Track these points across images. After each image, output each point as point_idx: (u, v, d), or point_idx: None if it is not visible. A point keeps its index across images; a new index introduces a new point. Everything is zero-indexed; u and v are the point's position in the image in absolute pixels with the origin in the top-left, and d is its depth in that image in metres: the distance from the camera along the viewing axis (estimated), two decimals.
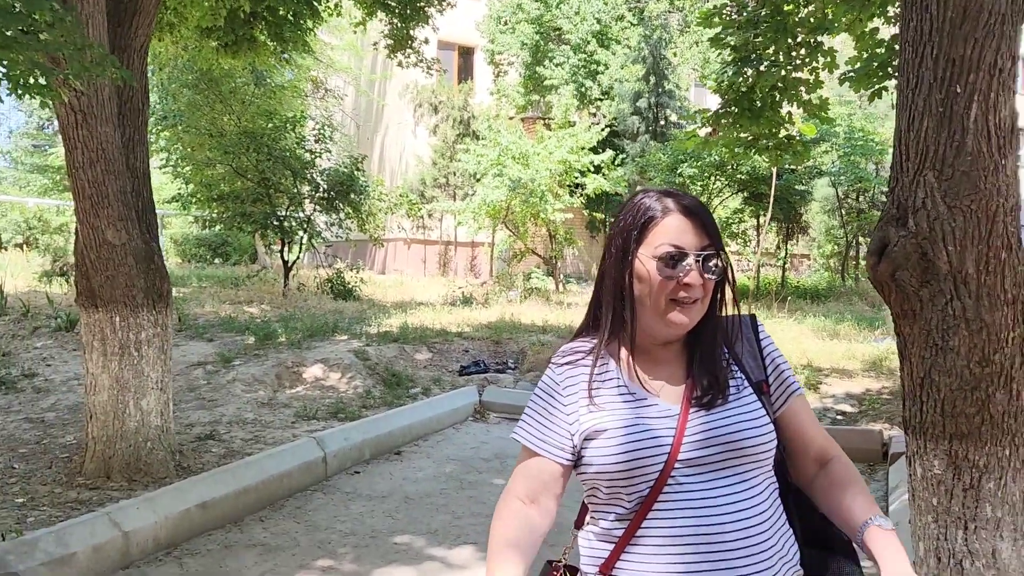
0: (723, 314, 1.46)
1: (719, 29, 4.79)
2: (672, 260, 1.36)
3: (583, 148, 17.67)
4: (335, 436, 6.01)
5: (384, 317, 11.62)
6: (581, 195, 19.11)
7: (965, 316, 2.47)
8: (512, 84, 24.39)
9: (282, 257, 14.92)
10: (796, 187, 15.63)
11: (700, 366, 1.42)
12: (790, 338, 10.24)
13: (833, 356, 9.08)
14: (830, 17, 4.51)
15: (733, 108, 4.79)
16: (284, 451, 5.52)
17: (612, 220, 1.55)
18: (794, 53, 4.70)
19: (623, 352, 1.45)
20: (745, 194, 15.99)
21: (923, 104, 2.51)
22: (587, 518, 1.50)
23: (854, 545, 1.45)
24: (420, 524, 4.84)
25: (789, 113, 5.08)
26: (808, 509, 1.49)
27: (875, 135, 16.91)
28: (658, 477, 1.34)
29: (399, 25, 9.01)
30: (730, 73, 4.59)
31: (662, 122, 21.32)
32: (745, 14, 4.79)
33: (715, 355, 1.43)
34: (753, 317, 1.51)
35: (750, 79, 4.52)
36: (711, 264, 1.37)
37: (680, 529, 1.33)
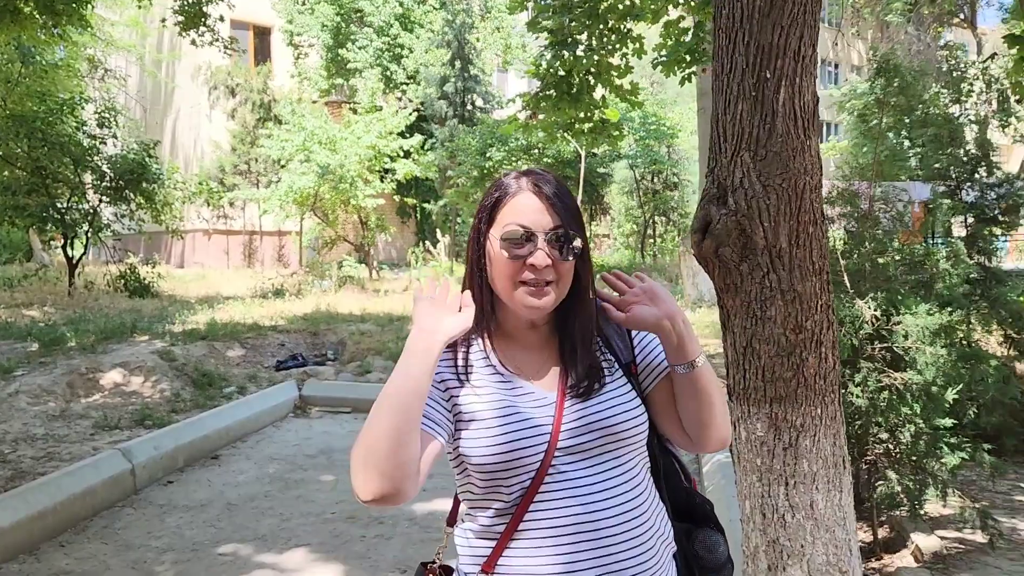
0: (592, 297, 1.44)
1: (535, 13, 4.86)
2: (517, 240, 1.32)
3: (392, 133, 17.44)
4: (142, 445, 5.54)
5: (189, 314, 10.89)
6: (392, 180, 18.88)
7: (780, 287, 2.63)
8: (314, 67, 23.60)
9: (65, 253, 13.57)
10: (598, 170, 16.30)
11: (573, 353, 1.39)
12: None
13: None
14: (638, 4, 4.70)
15: (552, 92, 4.88)
16: (84, 467, 5.01)
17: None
18: (605, 39, 4.85)
19: (494, 336, 1.41)
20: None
21: (737, 89, 2.64)
22: (461, 515, 1.44)
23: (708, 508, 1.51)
24: (246, 531, 4.57)
25: (603, 97, 5.26)
26: (674, 485, 1.52)
27: (666, 119, 17.98)
28: (539, 467, 1.30)
29: (191, 0, 8.39)
30: (548, 57, 4.67)
31: (469, 106, 21.48)
32: None
33: (588, 341, 1.41)
34: None
35: (568, 63, 4.62)
36: (564, 245, 1.33)
37: (563, 519, 1.30)
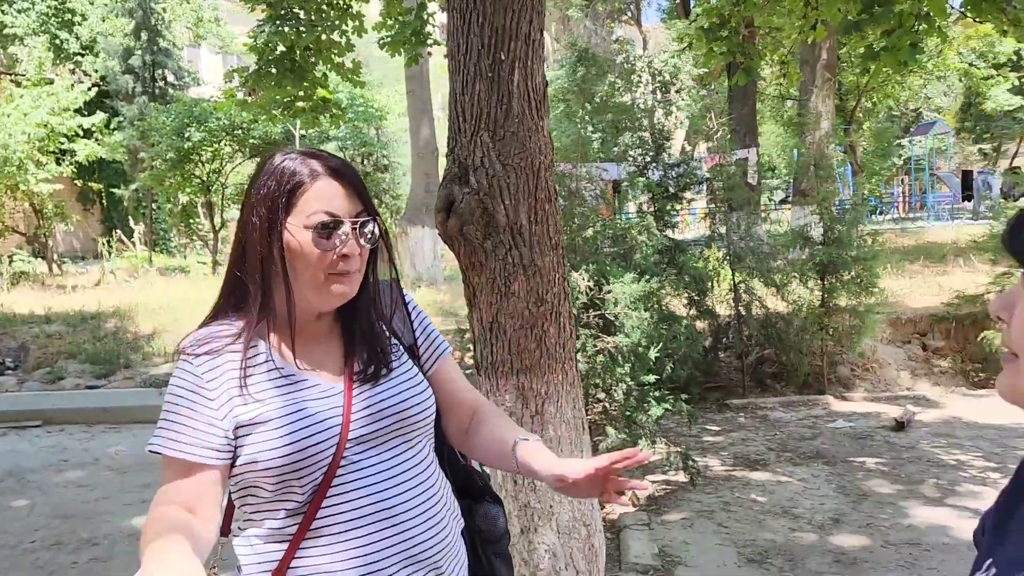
0: (377, 281, 1.38)
1: None
2: (328, 229, 1.25)
3: (68, 110, 15.49)
4: None
5: None
6: (71, 163, 16.79)
7: (523, 263, 2.75)
8: None
9: None
10: None
11: (360, 339, 1.35)
12: None
13: None
14: None
15: (273, 68, 4.60)
16: None
17: (249, 187, 1.35)
18: (324, 14, 4.68)
19: (273, 333, 1.30)
20: (260, 159, 15.74)
21: (474, 69, 2.69)
22: (239, 522, 1.32)
23: (491, 484, 1.53)
24: None
25: (325, 75, 5.08)
26: (453, 462, 1.53)
27: (374, 102, 17.92)
28: (331, 462, 1.24)
29: None
30: (268, 31, 4.38)
31: (160, 83, 19.74)
32: None
33: (374, 326, 1.37)
34: (396, 281, 1.46)
35: (289, 39, 4.38)
36: (367, 231, 1.29)
37: (359, 510, 1.25)
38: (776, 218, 9.30)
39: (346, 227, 1.26)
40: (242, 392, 1.23)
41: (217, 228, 16.08)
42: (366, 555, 1.24)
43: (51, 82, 16.42)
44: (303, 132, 15.21)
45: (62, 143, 15.78)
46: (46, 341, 8.38)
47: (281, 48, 4.45)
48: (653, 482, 5.06)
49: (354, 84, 5.35)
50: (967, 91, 27.27)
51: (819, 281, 7.24)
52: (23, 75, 16.75)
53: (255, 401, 1.23)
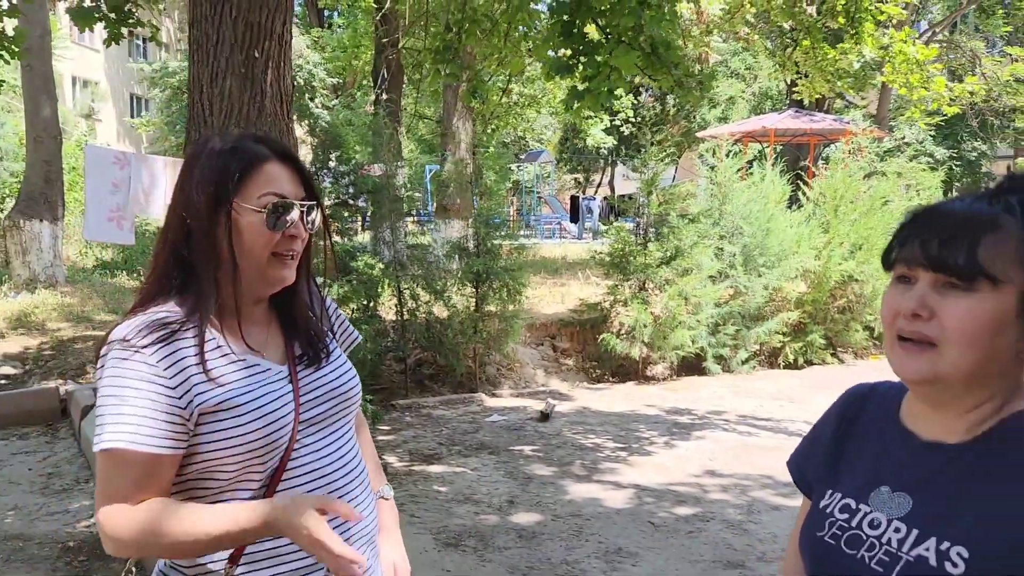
0: (311, 268, 1.42)
1: None
2: (278, 212, 1.26)
3: None
4: None
5: None
6: None
7: None
8: None
9: None
10: None
11: (299, 323, 1.38)
12: None
13: None
14: None
15: None
16: None
17: (187, 168, 1.27)
18: None
19: (216, 317, 1.27)
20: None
21: (226, 63, 2.62)
22: None
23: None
24: None
25: None
26: None
27: None
28: (287, 444, 1.26)
29: None
30: None
31: None
32: None
33: (309, 312, 1.40)
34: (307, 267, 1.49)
35: None
36: (311, 218, 1.32)
37: (312, 491, 1.29)
38: (412, 230, 9.88)
39: (295, 211, 1.29)
40: (204, 378, 1.20)
41: None
42: None
43: None
44: None
45: None
46: None
47: None
48: None
49: (11, 55, 4.61)
50: (566, 126, 31.42)
51: (474, 288, 7.92)
52: None
53: (218, 386, 1.21)
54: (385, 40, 13.38)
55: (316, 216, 1.34)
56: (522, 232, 23.50)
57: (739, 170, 9.94)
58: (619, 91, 4.13)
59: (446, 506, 4.75)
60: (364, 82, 21.75)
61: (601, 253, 9.11)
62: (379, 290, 7.32)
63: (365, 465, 1.45)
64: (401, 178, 11.60)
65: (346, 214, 7.55)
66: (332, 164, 7.30)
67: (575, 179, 36.67)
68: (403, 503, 4.80)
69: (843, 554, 1.04)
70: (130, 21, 4.43)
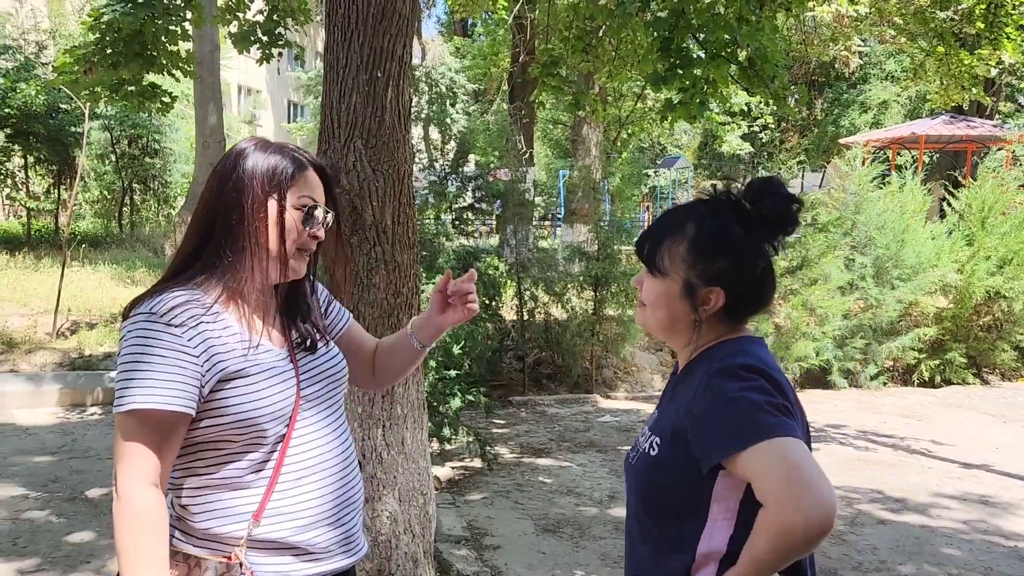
0: (317, 264, 1.63)
1: None
2: (311, 212, 1.48)
3: None
4: None
5: None
6: None
7: (384, 258, 3.08)
8: None
9: None
10: (70, 129, 14.50)
11: (299, 311, 1.57)
12: (93, 287, 9.82)
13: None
14: None
15: (109, 49, 4.39)
16: None
17: (231, 164, 1.46)
18: (171, 1, 4.59)
19: (234, 299, 1.47)
20: (10, 131, 14.15)
21: (352, 83, 2.99)
22: (189, 478, 1.44)
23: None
24: None
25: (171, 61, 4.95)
26: None
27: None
28: (291, 414, 1.45)
29: None
30: (119, 12, 4.18)
31: None
32: None
33: (311, 303, 1.60)
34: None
35: (142, 19, 4.22)
36: (328, 220, 1.53)
37: (314, 459, 1.48)
38: (540, 234, 10.14)
39: (321, 212, 1.51)
40: (224, 349, 1.40)
41: None
42: (320, 499, 1.48)
43: None
44: (68, 108, 14.08)
45: None
46: None
47: (127, 31, 4.27)
48: (453, 468, 5.50)
49: (184, 73, 5.27)
50: (704, 132, 30.92)
51: (593, 292, 8.11)
52: None
53: (235, 358, 1.41)
54: (519, 48, 13.77)
55: (330, 220, 1.54)
56: None
57: (874, 179, 9.62)
58: (713, 103, 4.23)
59: (549, 496, 4.99)
60: (503, 88, 22.27)
61: None
62: (501, 290, 7.64)
63: (352, 443, 1.63)
64: (528, 183, 11.95)
65: (472, 216, 7.92)
66: (462, 168, 7.68)
67: (713, 185, 35.91)
68: (509, 491, 5.08)
69: (626, 458, 1.49)
70: (280, 43, 4.96)
